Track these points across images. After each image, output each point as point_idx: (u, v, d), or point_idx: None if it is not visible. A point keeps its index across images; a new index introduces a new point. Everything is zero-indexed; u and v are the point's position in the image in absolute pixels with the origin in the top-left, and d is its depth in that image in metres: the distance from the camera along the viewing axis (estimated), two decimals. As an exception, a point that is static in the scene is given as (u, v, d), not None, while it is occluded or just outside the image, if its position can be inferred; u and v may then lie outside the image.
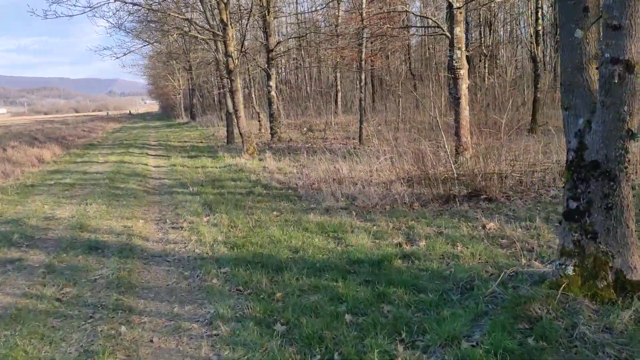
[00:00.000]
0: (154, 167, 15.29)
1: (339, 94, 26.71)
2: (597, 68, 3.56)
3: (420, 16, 13.31)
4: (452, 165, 9.22)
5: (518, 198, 7.65)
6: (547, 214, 6.59)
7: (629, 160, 3.49)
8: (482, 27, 30.14)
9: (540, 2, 18.24)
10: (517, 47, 30.56)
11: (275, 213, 7.95)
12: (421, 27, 13.25)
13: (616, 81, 3.35)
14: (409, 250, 5.48)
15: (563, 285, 3.63)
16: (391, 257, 5.15)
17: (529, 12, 20.66)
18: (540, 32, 18.61)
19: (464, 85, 11.00)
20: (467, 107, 11.12)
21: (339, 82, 26.61)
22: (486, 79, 28.93)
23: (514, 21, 31.54)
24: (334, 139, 19.55)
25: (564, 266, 3.73)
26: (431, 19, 11.77)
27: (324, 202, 8.39)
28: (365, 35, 16.67)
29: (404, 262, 5.14)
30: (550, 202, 7.23)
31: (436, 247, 5.44)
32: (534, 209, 6.98)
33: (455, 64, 10.90)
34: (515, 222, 6.30)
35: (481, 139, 12.16)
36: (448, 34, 11.49)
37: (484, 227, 6.22)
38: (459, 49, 10.86)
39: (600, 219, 3.59)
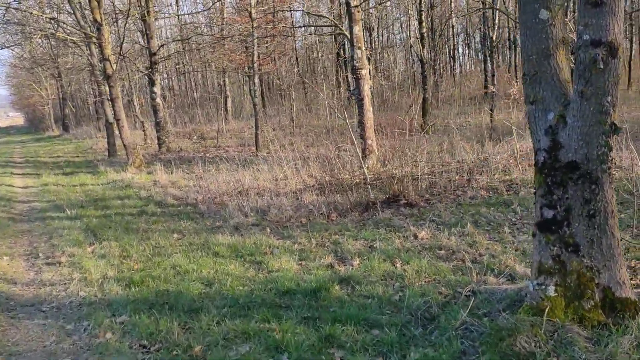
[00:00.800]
0: (21, 188, 13.15)
1: (229, 100, 25.53)
2: (572, 53, 3.05)
3: (317, 15, 12.70)
4: (365, 170, 8.69)
5: (437, 201, 7.25)
6: (474, 218, 6.19)
7: (613, 160, 3.02)
8: (363, 31, 30.54)
9: (422, 5, 18.61)
10: (396, 50, 31.44)
11: (176, 235, 6.83)
12: (318, 26, 12.66)
13: (601, 67, 2.84)
14: (345, 272, 4.72)
15: (546, 310, 3.07)
16: (327, 284, 4.35)
17: (409, 16, 21.13)
18: (425, 35, 18.97)
19: (367, 85, 10.57)
20: (371, 108, 10.71)
21: (227, 87, 25.43)
22: (372, 81, 29.35)
23: (391, 25, 32.48)
24: (228, 146, 18.43)
25: (543, 286, 3.18)
26: (328, 18, 11.22)
27: (232, 219, 7.40)
28: (255, 36, 15.79)
29: (342, 288, 4.37)
30: (471, 204, 6.87)
31: (374, 267, 4.74)
32: (457, 212, 6.57)
33: (357, 64, 10.43)
34: (446, 229, 5.81)
35: (382, 141, 11.88)
36: (347, 33, 11.01)
37: (415, 237, 5.66)
38: (359, 48, 10.41)
39: (582, 229, 3.09)
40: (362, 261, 4.97)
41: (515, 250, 4.87)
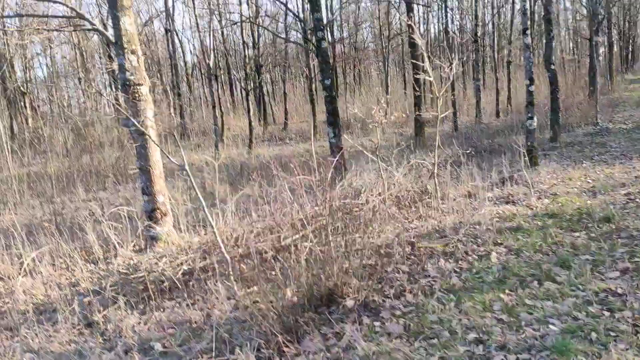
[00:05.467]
0: None
1: None
2: None
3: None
4: (223, 248, 4.83)
5: (400, 292, 4.16)
6: (537, 320, 3.43)
7: None
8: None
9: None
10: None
11: None
12: (44, 17, 7.25)
13: None
14: None
15: None
16: None
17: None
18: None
19: (150, 111, 6.49)
20: (159, 148, 6.63)
21: None
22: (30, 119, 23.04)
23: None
24: None
25: None
26: (61, 3, 6.56)
27: None
28: None
29: None
30: (467, 289, 4.03)
31: None
32: (478, 312, 3.68)
33: (132, 77, 6.26)
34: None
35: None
36: (103, 30, 6.66)
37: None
38: (134, 52, 6.30)
39: None
40: None
41: None
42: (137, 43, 6.37)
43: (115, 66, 6.61)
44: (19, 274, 5.67)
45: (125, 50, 6.21)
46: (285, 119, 23.16)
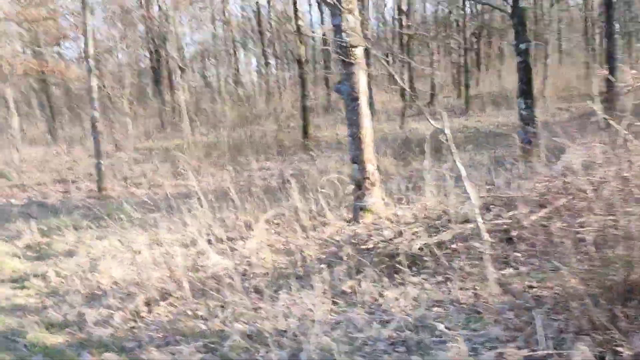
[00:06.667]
0: None
1: (15, 119, 17.51)
2: None
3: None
4: (481, 224, 4.29)
5: None
6: None
7: None
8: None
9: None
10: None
11: None
12: None
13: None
14: None
15: None
16: None
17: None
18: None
19: (363, 76, 6.14)
20: (369, 113, 6.29)
21: (12, 103, 17.38)
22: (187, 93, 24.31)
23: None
24: (40, 184, 11.61)
25: None
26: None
27: None
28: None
29: None
30: None
31: None
32: None
33: (348, 39, 5.94)
34: None
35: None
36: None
37: None
38: (350, 12, 5.95)
39: None
40: None
41: None
42: (355, 2, 6.01)
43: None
44: (242, 237, 5.72)
45: (343, 11, 5.88)
46: (432, 92, 22.09)
